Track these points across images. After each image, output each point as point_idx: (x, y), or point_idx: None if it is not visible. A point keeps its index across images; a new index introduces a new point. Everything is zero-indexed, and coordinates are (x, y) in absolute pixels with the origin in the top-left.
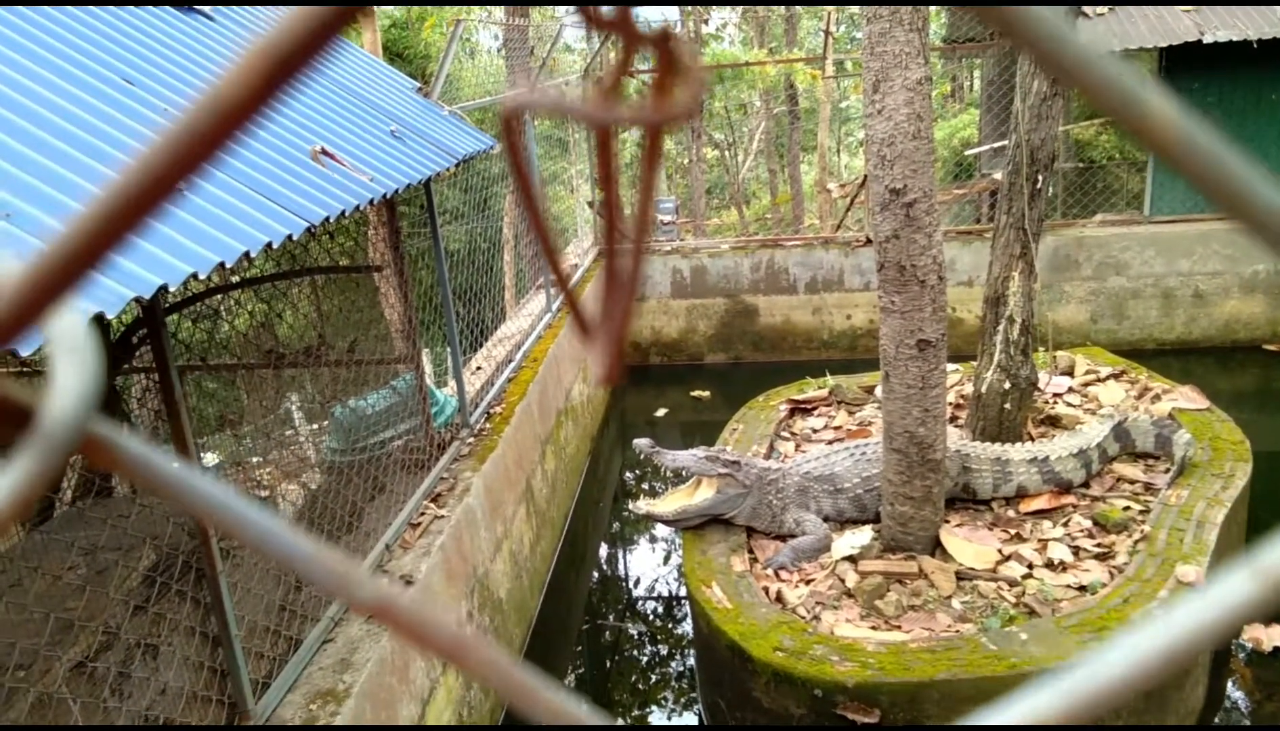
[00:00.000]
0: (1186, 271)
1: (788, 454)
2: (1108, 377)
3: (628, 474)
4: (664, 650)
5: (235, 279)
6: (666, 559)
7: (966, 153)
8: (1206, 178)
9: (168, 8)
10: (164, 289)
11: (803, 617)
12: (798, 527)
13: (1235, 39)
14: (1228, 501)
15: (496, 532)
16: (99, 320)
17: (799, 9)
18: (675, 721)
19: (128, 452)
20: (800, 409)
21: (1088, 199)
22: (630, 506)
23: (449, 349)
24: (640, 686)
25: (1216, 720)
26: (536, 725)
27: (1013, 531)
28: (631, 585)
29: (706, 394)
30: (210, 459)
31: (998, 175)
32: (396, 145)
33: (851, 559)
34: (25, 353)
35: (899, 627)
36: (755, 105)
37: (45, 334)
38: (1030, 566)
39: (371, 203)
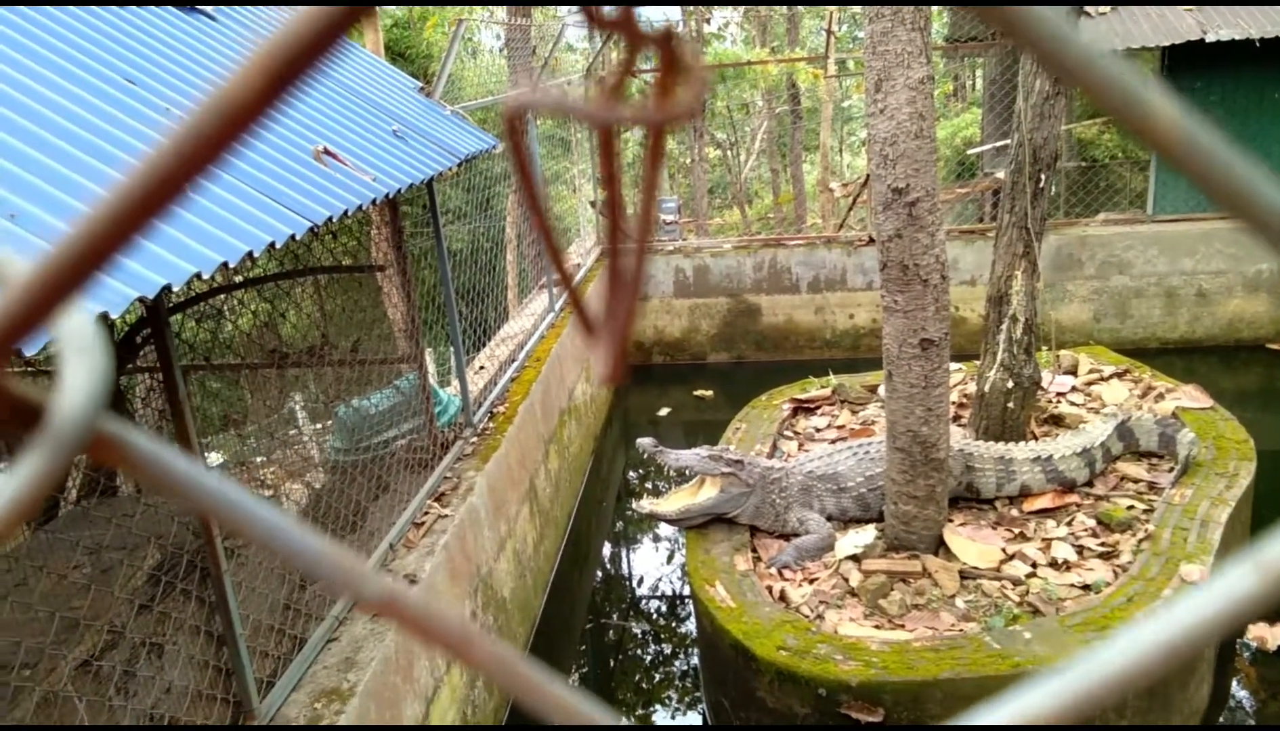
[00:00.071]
0: (1190, 270)
1: (791, 453)
2: (1111, 377)
3: (631, 473)
4: (668, 649)
5: (239, 278)
6: (670, 558)
7: (969, 152)
8: (1209, 177)
9: (170, 8)
10: (168, 289)
11: (806, 617)
12: (801, 526)
13: (1238, 38)
14: (1232, 500)
15: (500, 532)
16: (103, 320)
17: (801, 8)
18: (679, 720)
19: (137, 450)
20: (803, 408)
21: (1090, 198)
22: (633, 505)
23: (452, 348)
24: (644, 685)
25: (1221, 720)
26: (541, 724)
27: (1016, 530)
28: (635, 584)
29: (709, 393)
30: (214, 458)
31: (1000, 174)
32: (399, 145)
33: (855, 558)
34: (30, 352)
35: (903, 626)
36: (757, 104)
37: (54, 333)
38: (1034, 565)
39: (374, 202)
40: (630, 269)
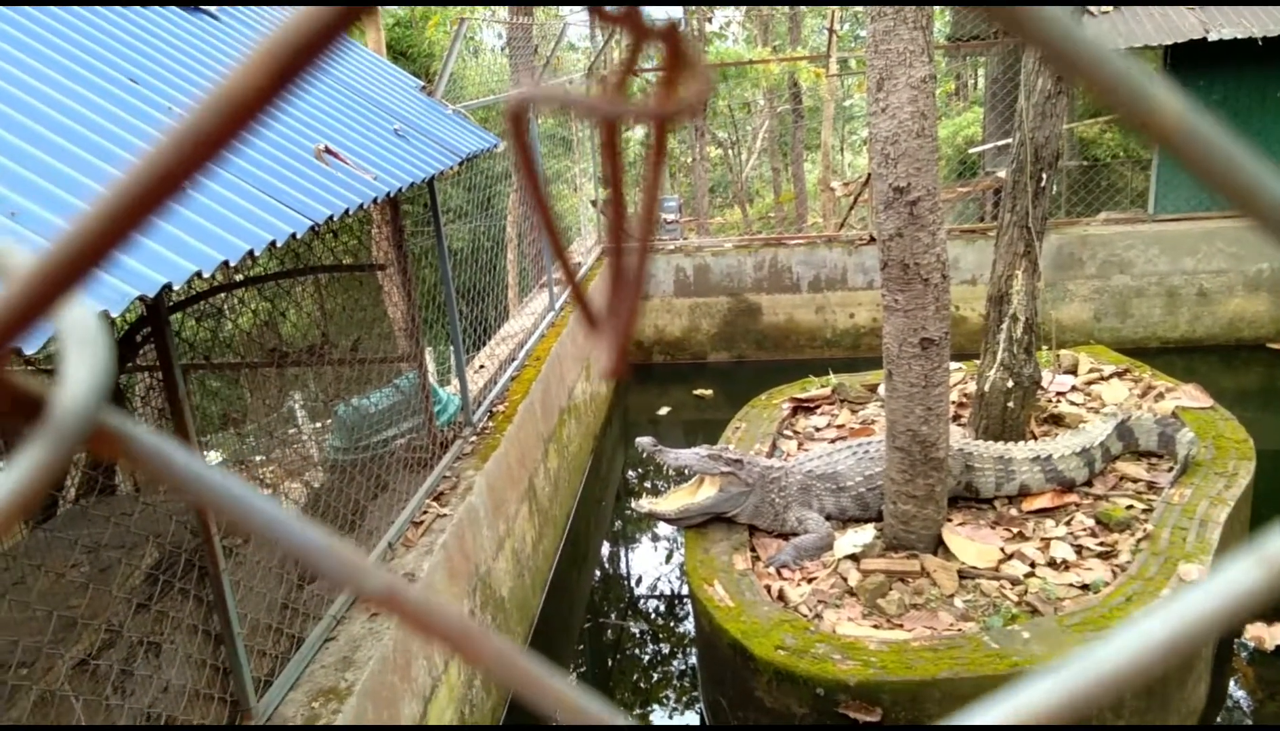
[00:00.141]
0: (1191, 270)
1: (790, 452)
2: (1111, 376)
3: (630, 472)
4: (666, 648)
5: (239, 277)
6: (668, 557)
7: (970, 151)
8: (1214, 172)
9: (173, 7)
10: (168, 287)
11: (805, 616)
12: (800, 526)
13: (1240, 36)
14: (1231, 500)
15: (499, 531)
16: (104, 318)
17: (803, 7)
18: (677, 720)
19: (138, 443)
20: (803, 407)
21: (1092, 197)
22: (633, 505)
23: (452, 347)
24: (642, 685)
25: (1219, 719)
26: (540, 722)
27: (1015, 530)
28: (633, 583)
29: (709, 392)
30: (214, 457)
31: (1001, 173)
32: (400, 144)
33: (854, 557)
34: (30, 350)
35: (901, 626)
36: (759, 104)
37: (56, 326)
38: (1033, 565)
39: (375, 201)
40: (633, 267)
